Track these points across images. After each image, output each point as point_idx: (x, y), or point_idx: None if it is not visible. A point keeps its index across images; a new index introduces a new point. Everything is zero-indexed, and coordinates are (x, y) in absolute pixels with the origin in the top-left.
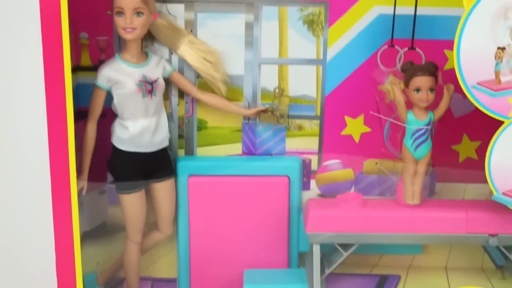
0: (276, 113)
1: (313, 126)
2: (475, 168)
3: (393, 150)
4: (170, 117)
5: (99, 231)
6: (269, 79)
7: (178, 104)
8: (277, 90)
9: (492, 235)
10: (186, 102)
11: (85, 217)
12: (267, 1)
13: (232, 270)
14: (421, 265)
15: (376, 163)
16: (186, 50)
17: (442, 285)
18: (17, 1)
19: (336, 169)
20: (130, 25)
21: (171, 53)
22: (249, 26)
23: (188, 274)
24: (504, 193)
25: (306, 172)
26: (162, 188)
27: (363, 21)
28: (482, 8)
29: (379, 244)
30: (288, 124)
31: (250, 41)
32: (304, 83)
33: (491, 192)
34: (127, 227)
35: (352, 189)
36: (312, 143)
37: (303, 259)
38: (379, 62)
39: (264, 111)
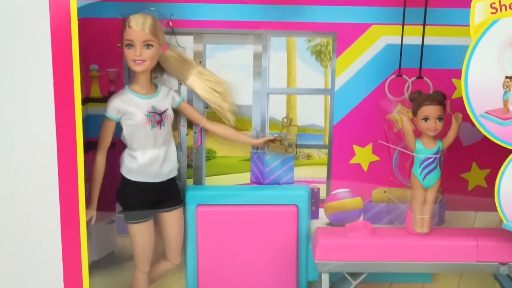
0: (284, 142)
1: (321, 155)
2: (485, 196)
3: (401, 179)
4: (179, 147)
5: (108, 261)
6: (277, 109)
7: (187, 134)
8: (285, 120)
9: (503, 264)
10: (195, 132)
11: (93, 247)
12: (275, 32)
13: None
14: None
15: (385, 192)
16: (195, 81)
17: None
18: (28, 34)
19: (345, 197)
20: (139, 57)
21: (180, 84)
22: (257, 57)
23: None
24: None
25: (315, 201)
26: (170, 218)
27: (371, 51)
28: (489, 38)
29: (389, 272)
30: (296, 153)
31: (259, 71)
32: (313, 113)
33: (501, 220)
34: (135, 256)
35: (361, 218)
36: (320, 172)
37: None
38: (387, 91)
39: (273, 140)
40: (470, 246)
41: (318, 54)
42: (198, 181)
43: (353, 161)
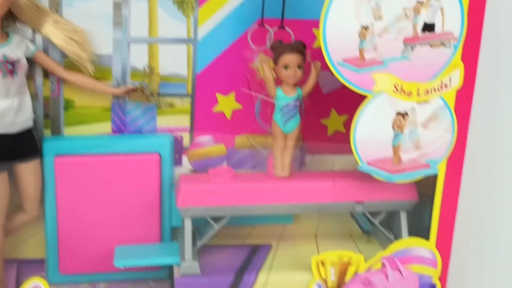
0: (146, 91)
1: (184, 103)
2: (343, 141)
3: (264, 126)
4: (34, 97)
5: None
6: (139, 58)
7: (43, 84)
8: (147, 69)
9: (358, 202)
10: (52, 82)
11: None
12: None
13: (103, 247)
14: (292, 234)
15: (248, 138)
16: (51, 30)
17: (311, 250)
18: None
19: (208, 144)
20: None
21: (35, 32)
22: (117, 6)
23: (57, 254)
24: (368, 163)
25: (178, 149)
26: (26, 169)
27: (233, 0)
28: None
29: (251, 215)
30: (159, 102)
31: (119, 20)
32: (175, 62)
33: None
34: None
35: (225, 164)
36: (183, 121)
37: (176, 234)
38: (249, 41)
39: (134, 90)
40: (327, 187)
41: (180, 3)
42: (57, 132)
43: (216, 109)
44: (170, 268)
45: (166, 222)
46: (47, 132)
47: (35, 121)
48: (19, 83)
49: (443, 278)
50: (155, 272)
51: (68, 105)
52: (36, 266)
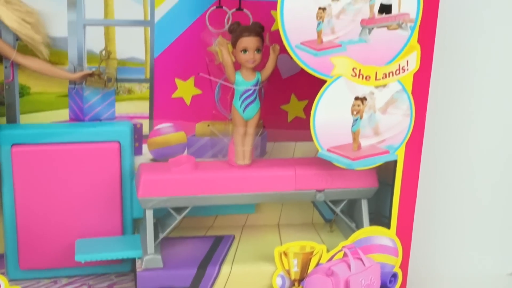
0: (103, 76)
1: (143, 89)
2: (304, 127)
3: (224, 112)
4: None
5: None
6: (95, 41)
7: None
8: (103, 53)
9: (319, 191)
10: (6, 67)
11: None
12: None
13: (64, 241)
14: (255, 223)
15: (208, 125)
16: (3, 11)
17: (274, 241)
18: None
19: (168, 132)
20: None
21: None
22: None
23: (16, 248)
24: (328, 150)
25: (138, 137)
26: None
27: None
28: None
29: (213, 205)
30: (117, 88)
31: (73, 1)
32: (132, 45)
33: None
34: None
35: (185, 152)
36: (143, 107)
37: (138, 225)
38: (207, 23)
39: (91, 75)
40: (288, 175)
41: None
42: (12, 119)
43: (175, 95)
44: (132, 261)
45: (127, 213)
46: (2, 120)
47: None
48: None
49: (404, 266)
50: (117, 266)
51: (24, 91)
52: None
